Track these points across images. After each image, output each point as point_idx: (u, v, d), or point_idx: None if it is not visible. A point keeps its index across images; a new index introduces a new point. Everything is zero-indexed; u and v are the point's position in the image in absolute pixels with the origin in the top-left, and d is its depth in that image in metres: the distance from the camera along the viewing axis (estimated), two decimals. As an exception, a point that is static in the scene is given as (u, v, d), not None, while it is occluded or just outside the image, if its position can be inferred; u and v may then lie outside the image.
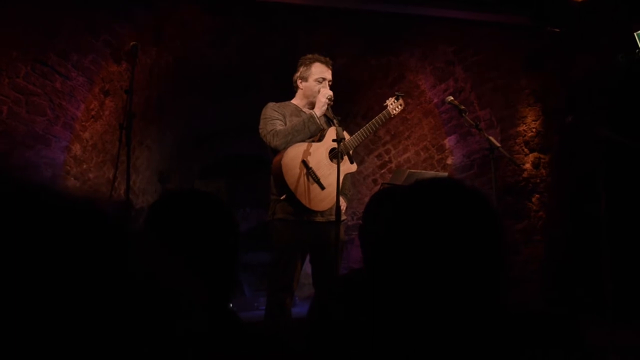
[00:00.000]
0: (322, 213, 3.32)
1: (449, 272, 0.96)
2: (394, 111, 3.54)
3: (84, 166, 4.34)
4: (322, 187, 3.26)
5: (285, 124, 3.33)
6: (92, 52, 4.02)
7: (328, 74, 3.43)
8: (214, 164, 8.18)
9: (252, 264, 6.90)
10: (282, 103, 3.48)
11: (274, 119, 3.33)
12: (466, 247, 0.97)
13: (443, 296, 0.96)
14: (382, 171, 6.33)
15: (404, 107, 3.62)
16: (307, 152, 3.28)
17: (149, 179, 6.17)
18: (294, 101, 3.51)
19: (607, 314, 3.40)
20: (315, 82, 3.40)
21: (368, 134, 3.46)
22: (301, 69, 3.47)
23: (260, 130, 3.35)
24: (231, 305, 5.22)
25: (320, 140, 3.38)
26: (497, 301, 0.99)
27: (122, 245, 0.47)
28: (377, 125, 3.50)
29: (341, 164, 3.28)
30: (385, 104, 3.57)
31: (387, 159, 6.27)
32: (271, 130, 3.27)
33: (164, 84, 5.22)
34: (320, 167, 3.30)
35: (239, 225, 1.22)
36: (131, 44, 3.12)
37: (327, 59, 3.46)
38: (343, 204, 3.40)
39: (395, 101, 3.55)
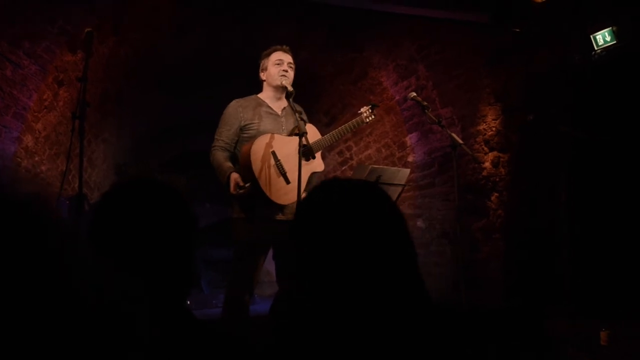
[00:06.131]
0: (282, 211, 3.30)
1: (358, 268, 0.98)
2: (367, 119, 3.56)
3: (36, 158, 4.18)
4: (288, 182, 3.25)
5: (241, 127, 3.35)
6: (45, 39, 3.86)
7: (286, 57, 3.45)
8: (174, 160, 8.06)
9: (212, 260, 6.79)
10: (248, 98, 3.48)
11: (225, 126, 3.37)
12: (369, 243, 1.00)
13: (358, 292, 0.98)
14: (344, 168, 6.32)
15: (374, 119, 3.65)
16: (277, 144, 3.28)
17: (105, 173, 6.01)
18: (261, 95, 3.51)
19: (566, 308, 3.46)
20: (275, 66, 3.42)
21: (338, 137, 3.50)
22: (262, 62, 3.50)
23: (216, 131, 3.41)
24: (188, 302, 5.14)
25: (291, 134, 3.39)
26: (418, 293, 1.00)
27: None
28: (348, 131, 3.54)
29: (308, 163, 3.32)
30: (360, 111, 3.59)
31: (348, 156, 6.26)
32: (214, 146, 3.37)
33: (123, 77, 5.07)
34: (288, 160, 3.29)
35: (197, 217, 1.16)
36: (86, 30, 3.01)
37: (285, 46, 3.49)
38: None
39: (370, 110, 3.57)
